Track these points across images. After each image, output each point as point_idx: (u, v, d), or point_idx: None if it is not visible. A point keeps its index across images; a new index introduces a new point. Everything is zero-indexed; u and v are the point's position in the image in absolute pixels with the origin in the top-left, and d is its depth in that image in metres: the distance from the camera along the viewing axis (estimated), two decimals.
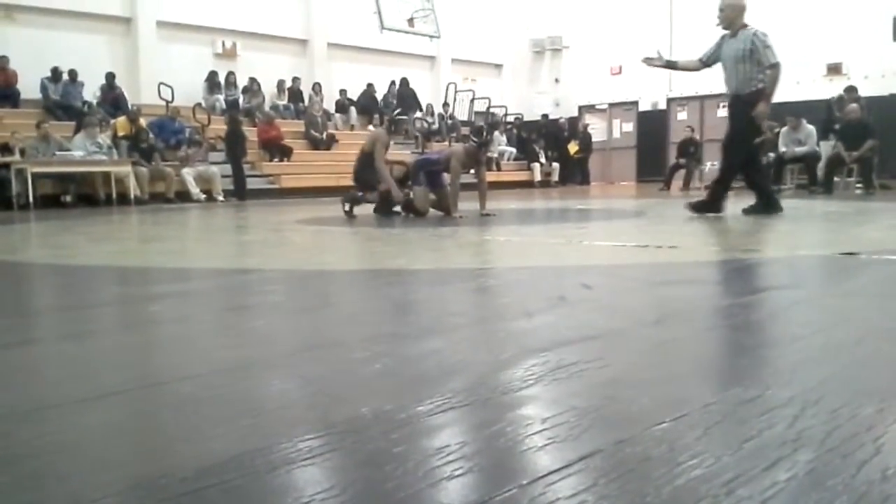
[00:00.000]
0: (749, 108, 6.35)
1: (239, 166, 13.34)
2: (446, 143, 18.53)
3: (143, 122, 13.46)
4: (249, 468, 1.16)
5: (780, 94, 16.31)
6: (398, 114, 8.29)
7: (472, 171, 7.72)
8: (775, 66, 6.31)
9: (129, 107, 14.04)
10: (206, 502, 1.06)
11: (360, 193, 7.88)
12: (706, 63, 6.75)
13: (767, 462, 1.12)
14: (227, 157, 13.45)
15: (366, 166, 7.75)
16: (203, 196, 12.87)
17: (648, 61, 7.02)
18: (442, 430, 1.32)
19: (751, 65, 6.35)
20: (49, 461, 1.23)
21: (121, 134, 13.07)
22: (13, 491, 1.11)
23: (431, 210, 7.51)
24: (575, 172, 19.66)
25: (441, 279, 3.55)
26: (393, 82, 19.48)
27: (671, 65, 7.04)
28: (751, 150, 6.86)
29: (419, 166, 7.56)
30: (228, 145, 13.45)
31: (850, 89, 13.49)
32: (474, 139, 7.88)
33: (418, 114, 19.33)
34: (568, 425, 1.32)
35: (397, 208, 7.70)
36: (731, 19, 6.48)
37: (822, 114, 13.35)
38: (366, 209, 7.92)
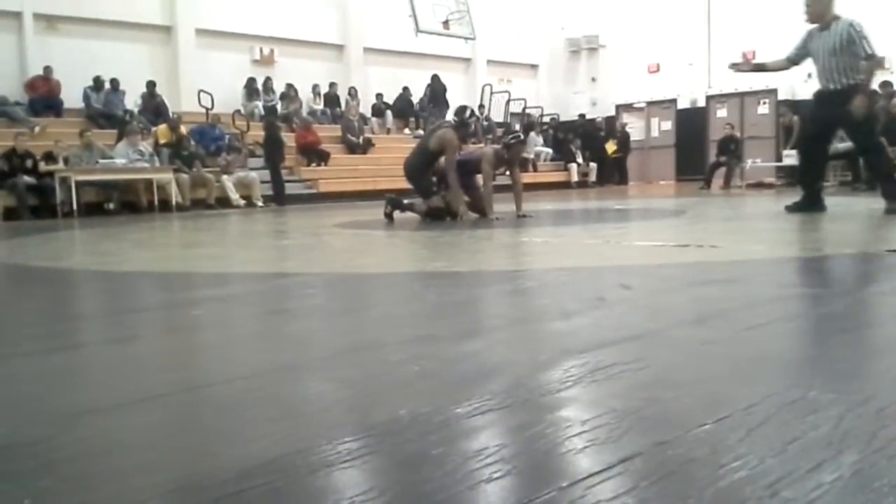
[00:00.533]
0: (845, 101, 6.05)
1: (277, 172, 13.46)
2: (482, 144, 18.54)
3: (183, 129, 13.65)
4: (290, 470, 1.17)
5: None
6: (470, 116, 7.89)
7: (507, 172, 7.68)
8: (872, 58, 6.04)
9: (170, 114, 14.24)
10: None
11: (407, 202, 7.76)
12: (794, 61, 6.49)
13: (812, 463, 1.10)
14: (266, 163, 13.58)
15: (423, 168, 7.54)
16: (243, 202, 13.00)
17: (735, 67, 6.89)
18: (481, 432, 1.31)
19: (847, 57, 6.07)
20: (93, 464, 1.25)
21: (162, 141, 13.27)
22: (58, 493, 1.14)
23: (468, 212, 7.48)
24: (613, 172, 19.50)
25: (479, 281, 3.55)
26: (429, 85, 19.51)
27: (760, 67, 6.79)
28: (818, 145, 6.57)
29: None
30: (267, 151, 13.58)
31: (885, 84, 13.25)
32: (506, 140, 7.81)
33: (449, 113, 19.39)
34: (608, 427, 1.30)
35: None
36: (821, 13, 6.19)
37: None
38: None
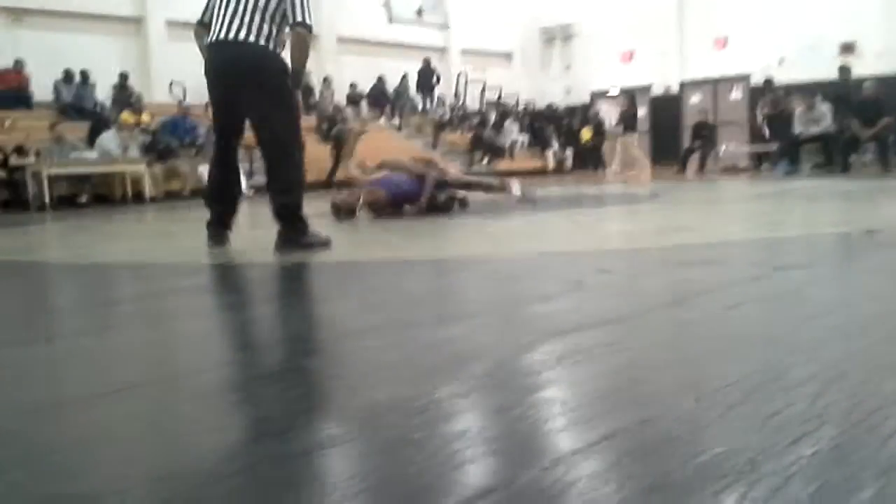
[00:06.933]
0: None
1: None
2: (458, 132, 18.51)
3: (146, 116, 13.50)
4: (270, 458, 1.16)
5: (794, 75, 16.03)
6: None
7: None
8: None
9: (142, 105, 14.08)
10: (227, 492, 1.06)
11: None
12: None
13: (791, 438, 1.11)
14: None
15: None
16: None
17: None
18: (462, 415, 1.31)
19: None
20: (68, 456, 1.24)
21: (132, 122, 13.12)
22: (33, 485, 1.12)
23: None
24: (588, 159, 19.46)
25: (457, 267, 3.54)
26: (405, 75, 19.44)
27: None
28: None
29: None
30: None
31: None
32: None
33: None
34: (589, 407, 1.31)
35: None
36: None
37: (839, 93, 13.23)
38: None
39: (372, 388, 1.51)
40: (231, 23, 3.83)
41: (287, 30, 3.96)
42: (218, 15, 3.88)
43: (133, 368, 1.84)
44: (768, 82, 15.44)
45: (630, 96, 16.74)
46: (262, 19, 3.85)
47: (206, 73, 4.02)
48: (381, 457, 1.16)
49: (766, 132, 14.03)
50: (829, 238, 3.83)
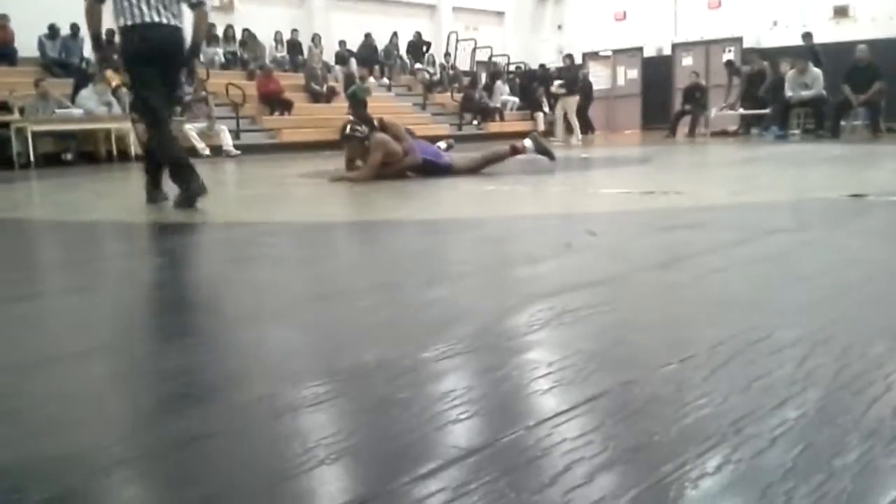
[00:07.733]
0: None
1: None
2: (448, 93, 18.34)
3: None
4: (255, 415, 1.15)
5: (787, 38, 15.93)
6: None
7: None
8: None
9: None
10: (211, 449, 1.06)
11: None
12: None
13: (776, 401, 1.11)
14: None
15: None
16: (208, 151, 12.68)
17: None
18: (447, 376, 1.31)
19: None
20: (53, 412, 1.23)
21: (114, 84, 12.91)
22: (17, 441, 1.11)
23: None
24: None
25: (445, 229, 3.53)
26: (395, 33, 19.22)
27: None
28: None
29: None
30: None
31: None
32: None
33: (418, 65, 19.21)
34: (574, 368, 1.30)
35: None
36: None
37: (831, 58, 13.15)
38: None
39: (358, 347, 1.50)
40: (159, 8, 4.35)
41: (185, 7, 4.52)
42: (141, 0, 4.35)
43: (118, 327, 1.83)
44: (729, 63, 15.58)
45: (570, 57, 16.54)
46: (178, 4, 4.45)
47: (142, 49, 4.39)
48: (366, 416, 1.15)
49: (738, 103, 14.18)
50: (817, 202, 3.83)
